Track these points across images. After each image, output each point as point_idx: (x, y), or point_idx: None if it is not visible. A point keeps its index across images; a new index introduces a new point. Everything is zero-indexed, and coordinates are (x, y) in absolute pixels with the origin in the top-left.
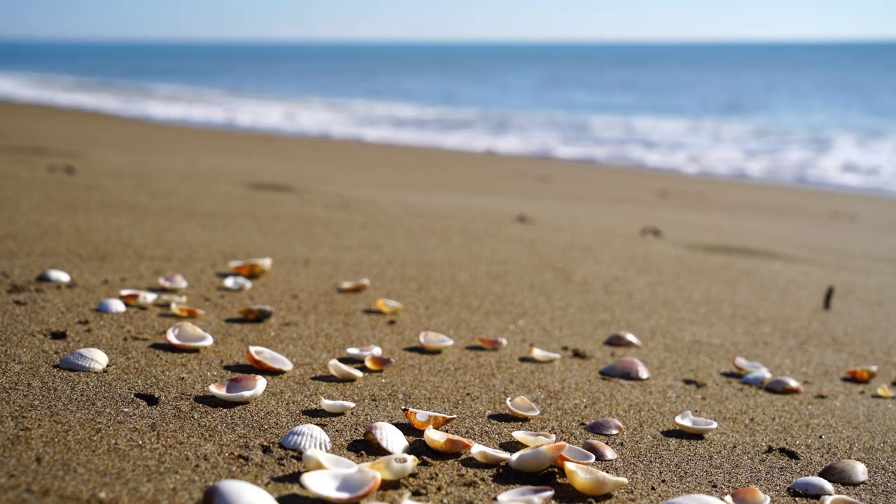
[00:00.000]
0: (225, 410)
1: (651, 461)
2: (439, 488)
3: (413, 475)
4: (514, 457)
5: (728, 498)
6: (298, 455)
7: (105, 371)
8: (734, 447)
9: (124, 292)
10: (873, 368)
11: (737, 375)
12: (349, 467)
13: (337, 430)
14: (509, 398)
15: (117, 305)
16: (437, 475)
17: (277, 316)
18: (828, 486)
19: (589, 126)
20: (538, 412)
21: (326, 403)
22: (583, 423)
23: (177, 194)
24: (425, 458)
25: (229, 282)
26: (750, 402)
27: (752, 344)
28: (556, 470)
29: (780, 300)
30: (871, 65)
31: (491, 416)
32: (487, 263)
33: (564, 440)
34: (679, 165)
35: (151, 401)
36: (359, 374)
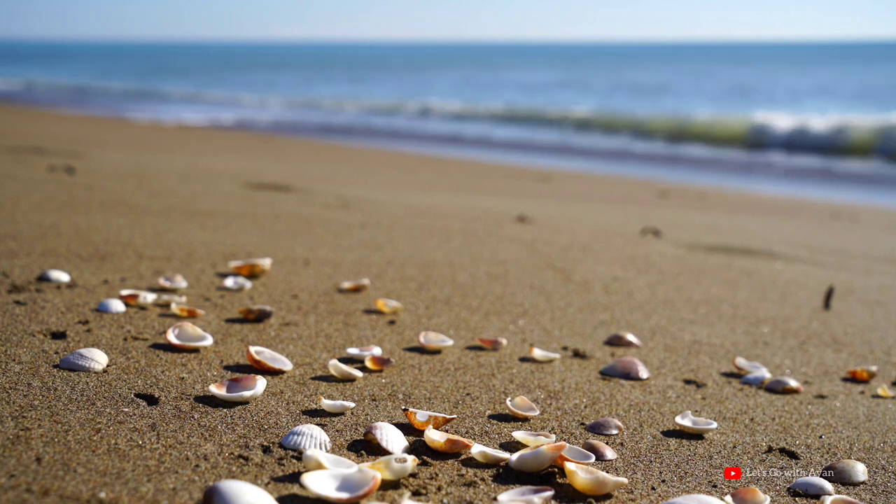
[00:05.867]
0: (225, 410)
1: (651, 461)
2: (439, 488)
3: (413, 475)
4: (514, 457)
5: (728, 498)
6: (298, 455)
7: (105, 371)
8: (734, 447)
9: (124, 292)
10: (873, 368)
11: (737, 375)
12: (349, 467)
13: (337, 430)
14: (509, 398)
15: (117, 305)
16: (437, 475)
17: (277, 316)
18: (828, 486)
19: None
20: (538, 412)
21: (326, 403)
22: (583, 423)
23: (177, 194)
24: (425, 458)
25: (229, 282)
26: (750, 402)
27: (752, 344)
28: (556, 470)
29: (780, 300)
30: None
31: (491, 416)
32: (487, 263)
33: (564, 440)
34: None
35: (151, 401)
36: (359, 374)
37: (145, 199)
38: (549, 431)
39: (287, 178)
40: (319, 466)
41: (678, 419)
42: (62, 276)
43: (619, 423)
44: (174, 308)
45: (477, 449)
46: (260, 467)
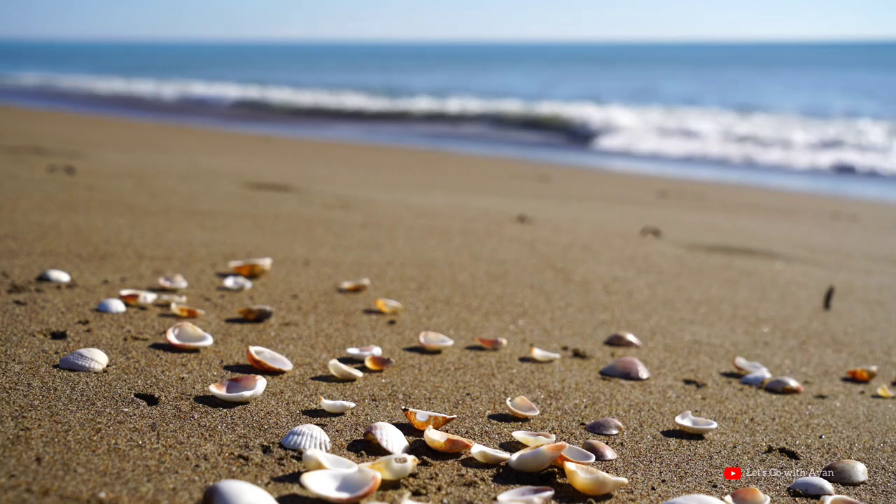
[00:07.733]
0: (225, 410)
1: (651, 461)
2: (439, 488)
3: (413, 475)
4: (514, 457)
5: (728, 498)
6: (298, 455)
7: (105, 371)
8: (734, 447)
9: (124, 292)
10: (873, 368)
11: (737, 375)
12: (349, 467)
13: (337, 430)
14: (509, 398)
15: (117, 305)
16: (437, 475)
17: (277, 316)
18: (828, 486)
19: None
20: (538, 412)
21: (326, 403)
22: (583, 423)
23: (177, 194)
24: (425, 458)
25: (229, 282)
26: (750, 402)
27: (752, 344)
28: (556, 470)
29: (780, 300)
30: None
31: (491, 416)
32: (487, 263)
33: (564, 440)
34: None
35: (151, 401)
36: (359, 374)
37: (145, 199)
38: (549, 431)
39: (287, 178)
40: (319, 466)
41: (678, 419)
42: (62, 276)
43: (619, 423)
44: (174, 308)
45: (477, 449)
46: (260, 467)
